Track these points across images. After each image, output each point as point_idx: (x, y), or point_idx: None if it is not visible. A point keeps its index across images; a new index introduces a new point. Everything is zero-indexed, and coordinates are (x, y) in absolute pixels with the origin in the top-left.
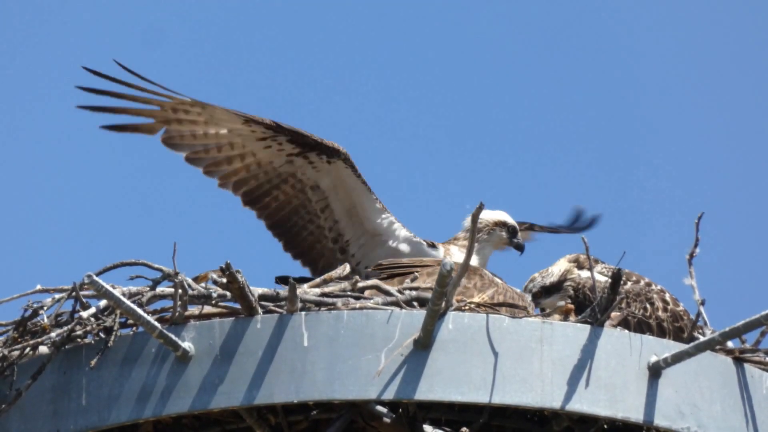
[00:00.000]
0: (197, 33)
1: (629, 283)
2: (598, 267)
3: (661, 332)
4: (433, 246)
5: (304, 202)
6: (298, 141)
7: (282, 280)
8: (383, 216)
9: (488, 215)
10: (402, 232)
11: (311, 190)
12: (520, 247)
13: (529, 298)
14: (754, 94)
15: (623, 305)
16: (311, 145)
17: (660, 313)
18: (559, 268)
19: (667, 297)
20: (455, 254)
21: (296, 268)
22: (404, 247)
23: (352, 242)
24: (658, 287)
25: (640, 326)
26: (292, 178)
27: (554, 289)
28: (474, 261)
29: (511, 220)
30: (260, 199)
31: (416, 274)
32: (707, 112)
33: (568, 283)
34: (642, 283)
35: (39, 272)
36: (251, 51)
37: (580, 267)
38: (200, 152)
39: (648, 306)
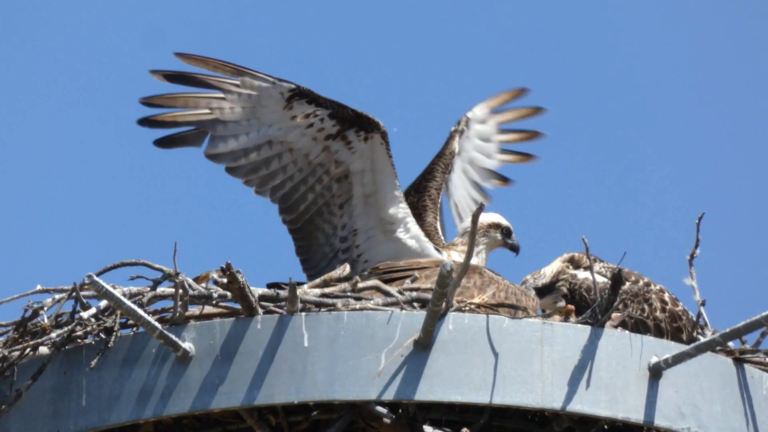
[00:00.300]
0: (197, 33)
1: (627, 284)
2: (597, 266)
3: (659, 333)
4: (438, 250)
5: (328, 200)
6: (339, 115)
7: (272, 286)
8: (400, 206)
9: (482, 218)
10: (413, 227)
11: (337, 183)
12: (515, 248)
13: (533, 293)
14: (754, 94)
15: (621, 306)
16: (350, 120)
17: (658, 313)
18: (551, 268)
19: (666, 297)
20: (456, 260)
21: (295, 269)
22: (412, 243)
23: (360, 233)
24: (658, 287)
25: (638, 327)
26: (324, 173)
27: (546, 290)
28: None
29: (504, 222)
30: (296, 206)
31: (416, 275)
32: (707, 111)
33: (560, 283)
34: (641, 283)
35: (39, 272)
36: (251, 51)
37: (576, 266)
38: (240, 158)
39: (646, 306)
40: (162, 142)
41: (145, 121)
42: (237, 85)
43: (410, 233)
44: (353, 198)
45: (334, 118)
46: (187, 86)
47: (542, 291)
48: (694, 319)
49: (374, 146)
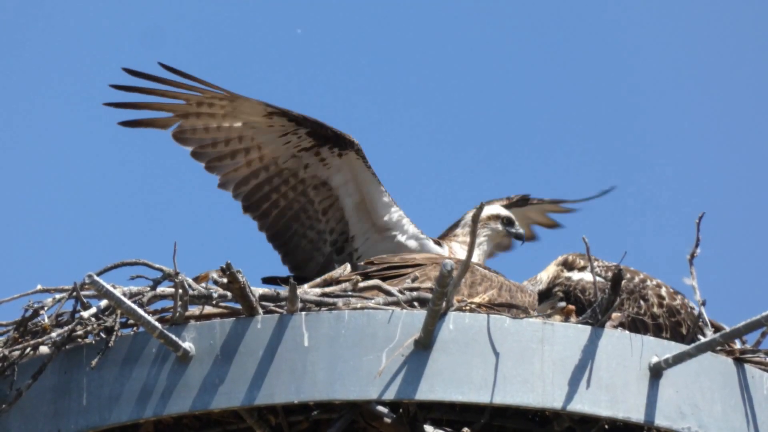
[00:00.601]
0: (197, 33)
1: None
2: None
3: (658, 329)
4: (438, 244)
5: (305, 205)
6: (317, 133)
7: (269, 280)
8: (392, 210)
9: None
10: (410, 228)
11: (314, 189)
12: (519, 236)
13: (530, 288)
14: (754, 94)
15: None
16: (327, 138)
17: (655, 309)
18: (547, 274)
19: (663, 292)
20: (457, 251)
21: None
22: (412, 243)
23: (357, 237)
24: (655, 282)
25: (635, 324)
26: (293, 178)
27: (543, 296)
28: (474, 257)
29: (504, 212)
30: (259, 205)
31: (416, 275)
32: (707, 112)
33: (557, 288)
34: (636, 279)
35: (39, 272)
36: (251, 51)
37: (570, 269)
38: (208, 146)
39: (642, 303)
40: (128, 123)
41: (116, 104)
42: (217, 96)
43: (408, 234)
44: (344, 207)
45: (311, 135)
46: (172, 88)
47: (540, 297)
48: (696, 313)
49: (350, 161)
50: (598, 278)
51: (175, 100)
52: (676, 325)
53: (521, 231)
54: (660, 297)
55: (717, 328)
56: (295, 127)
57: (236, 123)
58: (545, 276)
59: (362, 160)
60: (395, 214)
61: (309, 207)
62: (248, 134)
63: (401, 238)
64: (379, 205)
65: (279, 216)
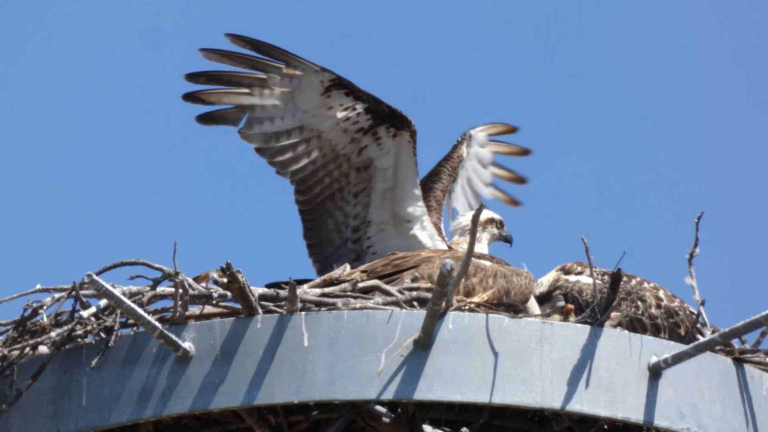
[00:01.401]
0: (197, 33)
1: None
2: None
3: (656, 329)
4: (450, 249)
5: (344, 186)
6: (374, 110)
7: (272, 286)
8: (418, 204)
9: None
10: (429, 226)
11: (356, 172)
12: (509, 240)
13: (525, 267)
14: (754, 94)
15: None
16: (384, 116)
17: (653, 310)
18: (548, 278)
19: (661, 294)
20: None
21: (296, 269)
22: (427, 241)
23: (373, 224)
24: (652, 284)
25: (633, 325)
26: (346, 162)
27: (544, 299)
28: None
29: (497, 215)
30: (311, 187)
31: (416, 275)
32: (707, 112)
33: (557, 292)
34: (633, 281)
35: (39, 272)
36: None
37: (568, 273)
38: (271, 140)
39: (640, 303)
40: (203, 118)
41: (190, 97)
42: (280, 69)
43: (426, 231)
44: (372, 191)
45: (369, 112)
46: (233, 67)
47: (540, 300)
48: (694, 315)
49: (401, 144)
50: (596, 280)
51: (240, 88)
52: (675, 326)
53: (510, 235)
54: (658, 298)
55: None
56: (353, 102)
57: (297, 111)
58: (546, 280)
59: (413, 144)
60: (419, 209)
61: (346, 188)
62: (310, 123)
63: (419, 233)
64: (407, 196)
65: (320, 194)
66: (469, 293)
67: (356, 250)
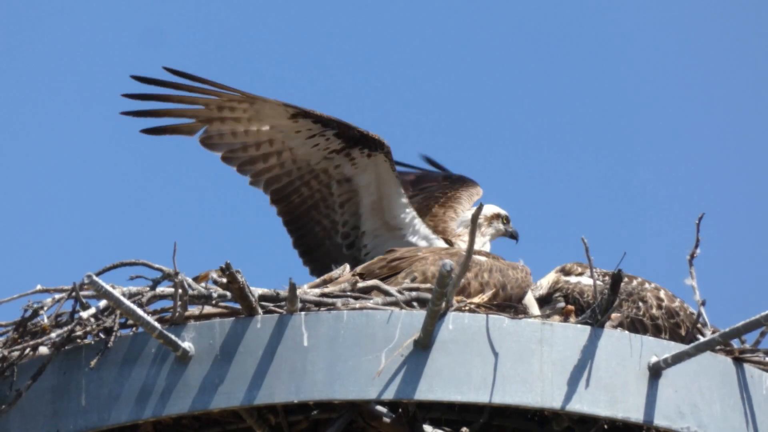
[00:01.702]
0: (197, 33)
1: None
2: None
3: (657, 330)
4: (449, 243)
5: (326, 196)
6: (345, 134)
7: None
8: (407, 211)
9: (485, 210)
10: (422, 228)
11: (337, 184)
12: (515, 236)
13: (521, 262)
14: (754, 94)
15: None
16: (356, 139)
17: (654, 311)
18: (547, 280)
19: (662, 294)
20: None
21: (296, 269)
22: (422, 243)
23: (367, 234)
24: (653, 285)
25: (634, 325)
26: (323, 174)
27: (544, 301)
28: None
29: (503, 211)
30: (288, 197)
31: (416, 275)
32: (707, 112)
33: (557, 294)
34: (634, 282)
35: (39, 272)
36: (251, 51)
37: (567, 275)
38: (238, 150)
39: (641, 304)
40: (151, 131)
41: (134, 113)
42: (236, 99)
43: (419, 234)
44: (360, 204)
45: (340, 137)
46: (174, 102)
47: (540, 302)
48: (695, 315)
49: (378, 163)
50: (595, 281)
51: (194, 105)
52: (675, 327)
53: (516, 230)
54: (659, 299)
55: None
56: (322, 129)
57: (263, 127)
58: (545, 282)
59: (389, 163)
60: (409, 215)
61: (329, 198)
62: (278, 137)
63: (412, 238)
64: (395, 206)
65: (300, 204)
66: (464, 288)
67: (353, 256)
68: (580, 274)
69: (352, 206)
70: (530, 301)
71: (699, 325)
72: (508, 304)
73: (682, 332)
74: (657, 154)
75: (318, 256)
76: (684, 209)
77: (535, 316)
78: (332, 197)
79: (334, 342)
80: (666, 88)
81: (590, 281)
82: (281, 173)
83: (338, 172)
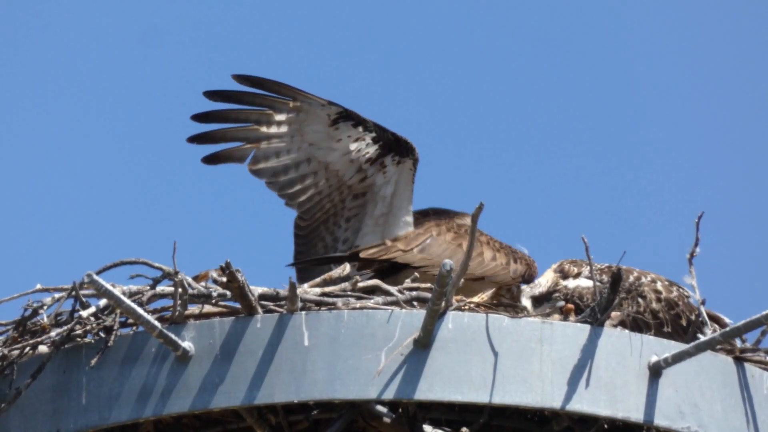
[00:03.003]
0: (197, 33)
1: None
2: (586, 271)
3: (659, 325)
4: None
5: (339, 211)
6: (381, 139)
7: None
8: (408, 230)
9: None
10: None
11: (353, 198)
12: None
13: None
14: (754, 94)
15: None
16: (390, 144)
17: (654, 305)
18: (546, 278)
19: (659, 286)
20: None
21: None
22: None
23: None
24: (650, 277)
25: (637, 324)
26: (347, 189)
27: (544, 298)
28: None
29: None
30: (315, 215)
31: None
32: (707, 112)
33: (556, 294)
34: (631, 278)
35: (39, 271)
36: (251, 51)
37: (565, 277)
38: (280, 174)
39: (640, 300)
40: (209, 159)
41: (195, 138)
42: (287, 104)
43: None
44: (366, 216)
45: (377, 142)
46: (238, 104)
47: (539, 299)
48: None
49: (403, 170)
50: (590, 283)
51: (246, 123)
52: (676, 318)
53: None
54: (657, 292)
55: (715, 319)
56: (362, 132)
57: (303, 143)
58: (544, 281)
59: (413, 172)
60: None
61: (340, 213)
62: (315, 155)
63: None
64: (399, 222)
65: (318, 219)
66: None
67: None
68: (578, 275)
69: (356, 222)
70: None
71: (699, 321)
72: (508, 303)
73: (683, 322)
74: (657, 153)
75: (310, 272)
76: (684, 209)
77: (535, 315)
78: (343, 212)
79: (334, 341)
80: (666, 88)
81: (588, 283)
82: (314, 193)
83: (362, 186)
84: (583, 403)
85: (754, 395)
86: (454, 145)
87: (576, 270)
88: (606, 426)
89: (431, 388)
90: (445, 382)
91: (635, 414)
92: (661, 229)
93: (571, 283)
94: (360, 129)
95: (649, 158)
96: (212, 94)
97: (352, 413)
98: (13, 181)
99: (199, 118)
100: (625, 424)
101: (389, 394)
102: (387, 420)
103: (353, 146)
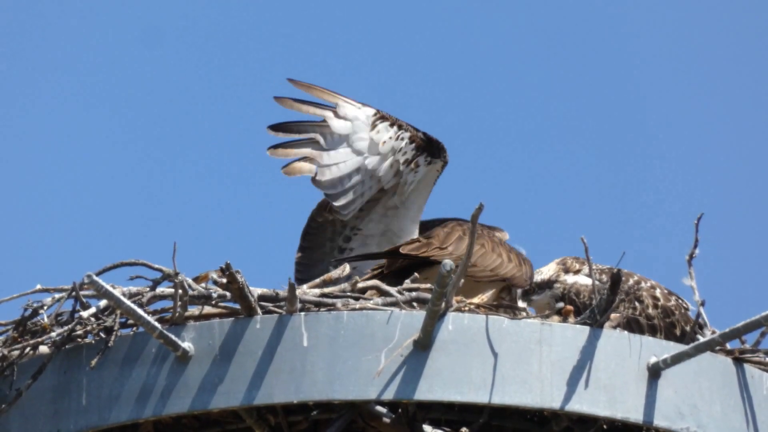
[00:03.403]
0: (197, 33)
1: None
2: (587, 269)
3: (652, 330)
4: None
5: (347, 222)
6: (415, 140)
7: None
8: (413, 227)
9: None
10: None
11: (379, 191)
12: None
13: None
14: (754, 94)
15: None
16: (423, 145)
17: (650, 310)
18: (548, 268)
19: (658, 293)
20: None
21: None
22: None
23: (359, 236)
24: (649, 283)
25: (630, 325)
26: (382, 189)
27: (546, 285)
28: None
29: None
30: (352, 211)
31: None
32: (707, 112)
33: (558, 284)
34: (631, 281)
35: (39, 272)
36: (251, 51)
37: (567, 271)
38: (338, 185)
39: (637, 304)
40: (285, 168)
41: (274, 148)
42: (335, 111)
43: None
44: (378, 204)
45: (412, 142)
46: (299, 113)
47: (541, 286)
48: (692, 313)
49: (431, 171)
50: (589, 281)
51: (308, 133)
52: (671, 326)
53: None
54: (655, 298)
55: None
56: (398, 131)
57: (353, 153)
58: (546, 270)
59: (438, 174)
60: (414, 229)
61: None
62: (365, 164)
63: None
64: (407, 218)
65: (352, 212)
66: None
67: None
68: (578, 272)
69: (368, 211)
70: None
71: (698, 326)
72: (508, 305)
73: (677, 332)
74: (657, 153)
75: (312, 266)
76: (684, 209)
77: (534, 317)
78: (351, 222)
79: (333, 342)
80: (666, 89)
81: (587, 281)
82: (361, 202)
83: (393, 183)
84: (582, 404)
85: (754, 396)
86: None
87: (578, 266)
88: (605, 427)
89: (431, 389)
90: (445, 382)
91: (634, 415)
92: (661, 230)
93: (570, 279)
94: (396, 128)
95: (649, 159)
96: (283, 99)
97: (352, 413)
98: (13, 181)
99: (275, 128)
100: (624, 425)
101: (389, 395)
102: (386, 420)
103: (395, 145)
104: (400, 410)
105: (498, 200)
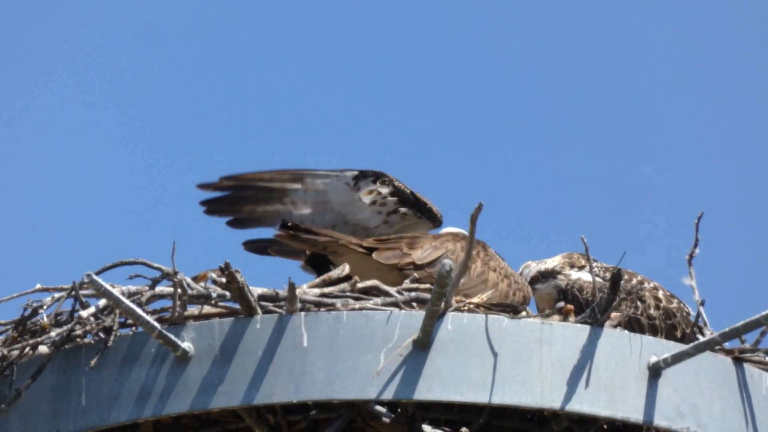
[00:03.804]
0: (197, 33)
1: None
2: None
3: (653, 330)
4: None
5: None
6: (397, 193)
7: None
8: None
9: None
10: None
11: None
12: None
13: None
14: (754, 94)
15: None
16: (409, 201)
17: (652, 311)
18: (554, 260)
19: (660, 294)
20: None
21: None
22: None
23: None
24: (652, 284)
25: (631, 324)
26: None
27: (549, 274)
28: None
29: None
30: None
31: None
32: (708, 111)
33: (562, 276)
34: (634, 281)
35: (39, 271)
36: (251, 51)
37: (572, 266)
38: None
39: (639, 304)
40: (234, 223)
41: (233, 222)
42: (299, 189)
43: None
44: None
45: (394, 196)
46: (253, 193)
47: (545, 275)
48: (692, 316)
49: (422, 222)
50: (596, 279)
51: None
52: (672, 328)
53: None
54: (657, 299)
55: None
56: (379, 187)
57: (332, 210)
58: (551, 260)
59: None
60: None
61: None
62: (349, 218)
63: None
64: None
65: None
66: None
67: None
68: (582, 267)
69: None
70: None
71: (698, 326)
72: (507, 304)
73: (678, 334)
74: (657, 153)
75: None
76: (684, 209)
77: (534, 316)
78: None
79: (333, 342)
80: (667, 88)
81: (590, 277)
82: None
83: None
84: (582, 404)
85: (753, 395)
86: (455, 145)
87: (583, 262)
88: (605, 426)
89: (430, 389)
90: (445, 382)
91: (635, 414)
92: (661, 230)
93: (575, 274)
94: (378, 183)
95: (649, 159)
96: (207, 187)
97: (351, 413)
98: (13, 181)
99: (208, 204)
100: (624, 425)
101: (388, 395)
102: (386, 420)
103: (376, 199)
104: (399, 410)
105: (498, 201)
